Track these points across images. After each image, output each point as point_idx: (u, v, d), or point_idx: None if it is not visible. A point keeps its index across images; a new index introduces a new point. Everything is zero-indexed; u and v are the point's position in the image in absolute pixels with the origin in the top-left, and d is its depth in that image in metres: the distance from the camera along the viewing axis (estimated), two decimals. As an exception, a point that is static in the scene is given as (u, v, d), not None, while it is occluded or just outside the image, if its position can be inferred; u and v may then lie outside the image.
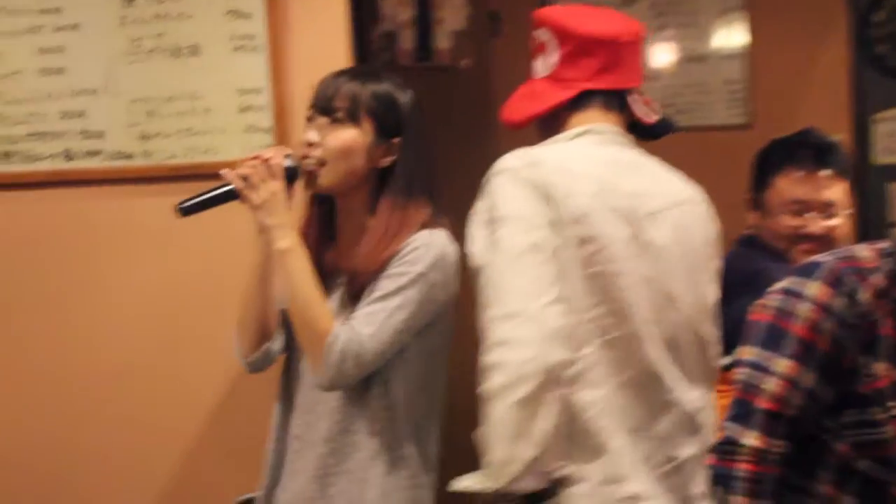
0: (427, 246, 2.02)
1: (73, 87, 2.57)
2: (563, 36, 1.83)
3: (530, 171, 1.78)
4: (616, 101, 1.84)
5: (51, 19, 2.55)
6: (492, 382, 1.67)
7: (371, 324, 1.98)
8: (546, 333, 1.66)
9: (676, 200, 1.88)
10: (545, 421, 1.65)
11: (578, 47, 1.81)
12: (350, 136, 2.04)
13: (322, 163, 2.06)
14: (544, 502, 1.80)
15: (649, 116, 1.89)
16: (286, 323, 2.17)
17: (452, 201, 2.13)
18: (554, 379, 1.66)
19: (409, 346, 2.06)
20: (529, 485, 1.77)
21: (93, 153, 2.59)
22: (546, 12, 1.92)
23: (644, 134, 1.98)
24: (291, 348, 2.17)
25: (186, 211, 2.10)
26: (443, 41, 3.15)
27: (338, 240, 2.16)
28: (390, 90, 2.09)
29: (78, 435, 2.72)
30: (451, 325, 2.13)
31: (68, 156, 2.59)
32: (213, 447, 2.70)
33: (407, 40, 3.14)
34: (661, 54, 3.78)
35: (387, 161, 2.06)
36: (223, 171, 2.06)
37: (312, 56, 2.52)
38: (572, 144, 1.84)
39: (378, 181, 2.08)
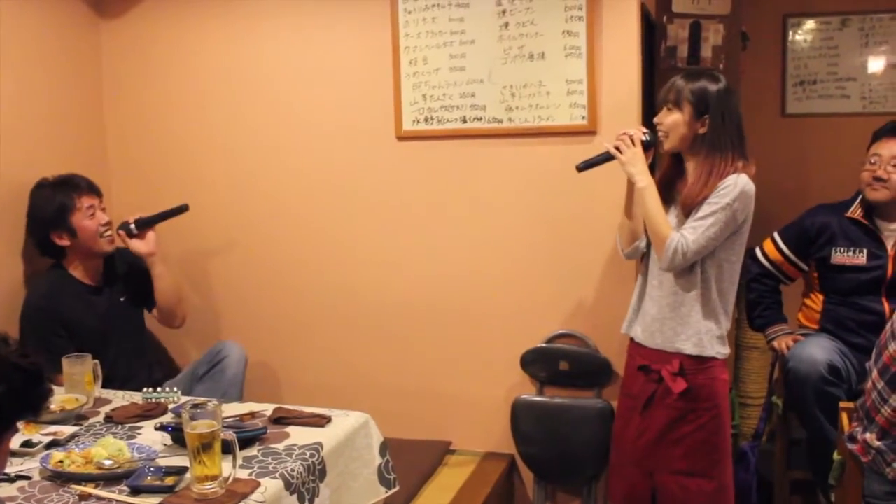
0: (734, 185, 2.46)
1: (468, 78, 3.25)
2: None
3: None
4: None
5: (457, 37, 3.24)
6: None
7: (693, 233, 2.47)
8: None
9: None
10: None
11: None
12: (676, 117, 2.54)
13: (665, 135, 2.57)
14: None
15: None
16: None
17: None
18: None
19: (717, 247, 2.51)
20: None
21: (478, 119, 3.25)
22: None
23: None
24: (649, 245, 2.68)
25: (581, 168, 2.64)
26: (706, 52, 3.44)
27: (686, 178, 2.59)
28: (703, 84, 2.51)
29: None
30: (746, 234, 2.55)
31: (463, 120, 3.27)
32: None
33: (683, 51, 3.47)
34: None
35: (703, 129, 2.52)
36: (605, 144, 2.61)
37: (614, 61, 3.11)
38: None
39: (701, 143, 2.52)
